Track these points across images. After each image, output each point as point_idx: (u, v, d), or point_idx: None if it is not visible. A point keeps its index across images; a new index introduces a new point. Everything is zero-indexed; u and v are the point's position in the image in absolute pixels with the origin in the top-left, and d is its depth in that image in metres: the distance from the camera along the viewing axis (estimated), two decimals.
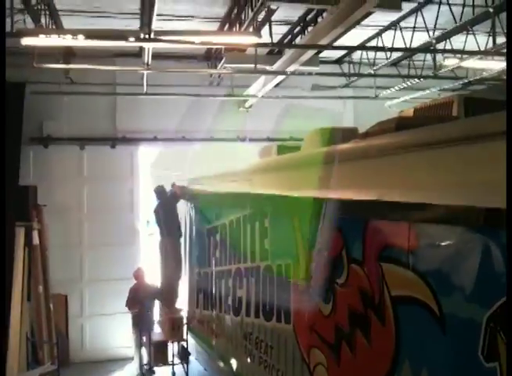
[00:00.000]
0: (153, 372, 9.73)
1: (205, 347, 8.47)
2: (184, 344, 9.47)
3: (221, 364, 7.47)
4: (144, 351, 9.78)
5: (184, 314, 9.61)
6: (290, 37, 10.26)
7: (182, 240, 9.97)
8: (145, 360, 9.79)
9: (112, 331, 11.13)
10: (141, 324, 9.58)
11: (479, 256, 2.73)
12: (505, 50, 8.61)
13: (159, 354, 9.25)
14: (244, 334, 6.38)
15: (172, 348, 9.59)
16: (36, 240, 9.98)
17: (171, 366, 9.46)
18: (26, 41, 7.22)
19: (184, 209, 10.23)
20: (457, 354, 2.89)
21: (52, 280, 10.32)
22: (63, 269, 10.90)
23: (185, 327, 9.35)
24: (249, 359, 6.16)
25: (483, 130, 2.67)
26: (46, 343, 9.72)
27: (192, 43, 7.80)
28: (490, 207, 2.61)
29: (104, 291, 11.07)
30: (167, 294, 9.73)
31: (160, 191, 10.06)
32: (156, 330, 9.81)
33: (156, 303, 10.14)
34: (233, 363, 6.86)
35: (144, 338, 9.66)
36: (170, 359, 9.52)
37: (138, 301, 9.70)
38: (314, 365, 4.51)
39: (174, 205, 9.93)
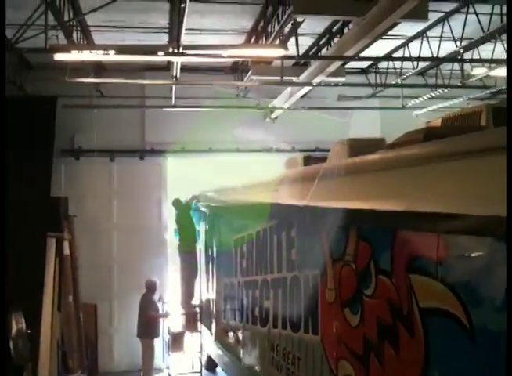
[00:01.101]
0: None
1: (232, 357, 8.47)
2: (210, 354, 9.71)
3: (248, 375, 7.45)
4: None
5: (198, 310, 10.73)
6: (316, 48, 10.29)
7: (197, 245, 10.72)
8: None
9: (140, 341, 11.21)
10: (156, 330, 10.64)
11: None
12: None
13: (176, 343, 10.71)
14: (271, 344, 6.36)
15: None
16: (67, 251, 10.16)
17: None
18: (59, 56, 7.41)
19: (206, 219, 10.40)
20: (487, 366, 2.85)
21: (81, 290, 10.48)
22: (92, 279, 11.09)
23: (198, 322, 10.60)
24: (276, 371, 6.14)
25: None
26: (76, 352, 9.86)
27: (220, 56, 7.90)
28: None
29: (133, 300, 11.18)
30: (185, 293, 10.77)
31: (177, 203, 10.94)
32: (173, 323, 10.85)
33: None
34: (260, 374, 6.84)
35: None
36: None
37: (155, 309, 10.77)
38: None
39: (189, 215, 10.87)
